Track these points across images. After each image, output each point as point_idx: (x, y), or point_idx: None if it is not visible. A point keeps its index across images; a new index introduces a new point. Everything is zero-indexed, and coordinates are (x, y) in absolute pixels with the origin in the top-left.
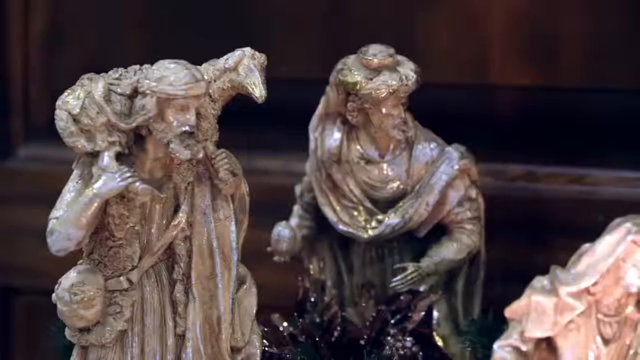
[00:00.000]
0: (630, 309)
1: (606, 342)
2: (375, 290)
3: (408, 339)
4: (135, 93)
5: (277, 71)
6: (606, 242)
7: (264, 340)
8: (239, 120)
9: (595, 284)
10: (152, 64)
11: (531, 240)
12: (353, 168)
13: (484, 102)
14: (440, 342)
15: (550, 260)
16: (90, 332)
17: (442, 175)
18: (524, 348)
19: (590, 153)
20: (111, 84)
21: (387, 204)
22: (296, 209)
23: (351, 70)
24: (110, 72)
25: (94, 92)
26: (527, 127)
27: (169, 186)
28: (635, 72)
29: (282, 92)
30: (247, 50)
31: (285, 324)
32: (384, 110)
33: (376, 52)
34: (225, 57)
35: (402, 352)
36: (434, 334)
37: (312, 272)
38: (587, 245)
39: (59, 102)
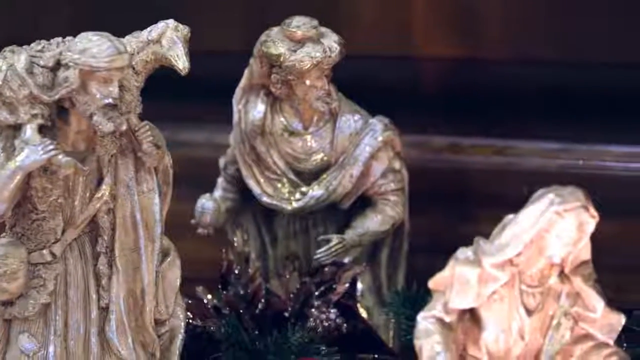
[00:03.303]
0: (553, 280)
1: (529, 312)
2: (299, 262)
3: (332, 310)
4: (58, 65)
5: (201, 43)
6: (529, 213)
7: (188, 313)
8: (162, 93)
9: (518, 254)
10: (75, 36)
11: (455, 211)
12: (277, 140)
13: (408, 73)
14: (364, 314)
15: (474, 231)
16: (13, 305)
17: (365, 147)
18: (447, 319)
19: (513, 125)
20: (34, 57)
21: (311, 176)
22: (220, 181)
23: (274, 42)
24: (33, 45)
25: (16, 65)
26: (450, 99)
27: (92, 159)
28: (557, 44)
29: (206, 64)
30: (171, 22)
31: (209, 296)
32: (307, 82)
33: (300, 24)
34: (148, 29)
35: (326, 324)
36: (358, 305)
37: (236, 244)
38: (510, 216)
39: None
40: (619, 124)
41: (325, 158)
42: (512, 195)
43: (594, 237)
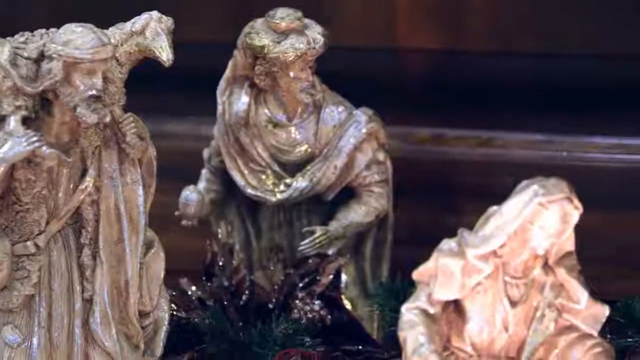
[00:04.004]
0: (537, 271)
1: (513, 304)
2: (283, 253)
3: (316, 302)
4: (41, 57)
5: (185, 34)
6: (513, 205)
7: (172, 305)
8: (146, 84)
9: (502, 246)
10: (58, 27)
11: (439, 203)
12: (261, 132)
13: (392, 65)
14: (348, 305)
15: (459, 222)
16: None
17: (350, 139)
18: (431, 310)
19: (498, 116)
20: (17, 48)
21: (295, 168)
22: (204, 172)
23: (259, 33)
24: (17, 36)
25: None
26: (435, 90)
27: (76, 150)
28: (542, 35)
29: (190, 56)
30: (154, 13)
31: (193, 288)
32: (291, 74)
33: (284, 16)
34: (132, 20)
35: (310, 316)
36: (342, 297)
37: (220, 236)
38: (494, 207)
39: None
40: (603, 115)
41: (309, 150)
42: (496, 187)
43: (577, 229)
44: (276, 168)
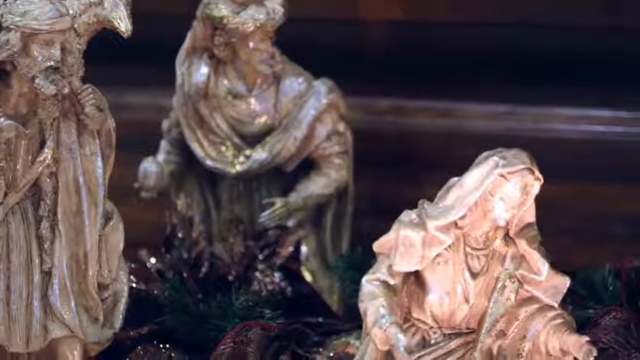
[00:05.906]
0: (497, 242)
1: (474, 275)
2: (243, 225)
3: (276, 274)
4: None
5: (144, 5)
6: (474, 176)
7: (132, 277)
8: (105, 55)
9: (463, 217)
10: None
11: (400, 174)
12: (220, 103)
13: (353, 36)
14: (308, 277)
15: (419, 194)
16: None
17: (310, 110)
18: (392, 282)
19: (459, 87)
20: None
21: (255, 139)
22: (163, 144)
23: (217, 4)
24: None
25: None
26: (396, 62)
27: (34, 122)
28: (504, 5)
29: (149, 27)
30: None
31: (152, 260)
32: (251, 45)
33: None
34: None
35: (270, 288)
36: (303, 269)
37: (179, 207)
38: (455, 178)
39: None
40: (566, 86)
41: (269, 121)
42: (456, 158)
43: (538, 200)
44: (236, 140)
